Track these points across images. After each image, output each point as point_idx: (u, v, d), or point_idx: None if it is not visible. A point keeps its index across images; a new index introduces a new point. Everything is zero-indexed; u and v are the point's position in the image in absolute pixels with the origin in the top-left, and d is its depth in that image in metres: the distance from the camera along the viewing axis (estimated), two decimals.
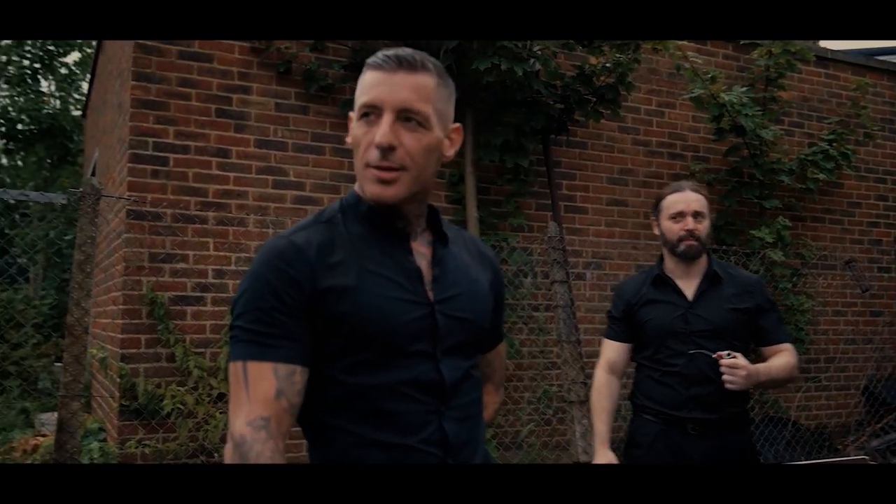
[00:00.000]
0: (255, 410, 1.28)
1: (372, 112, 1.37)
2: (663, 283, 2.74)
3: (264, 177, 4.66)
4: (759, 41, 5.96)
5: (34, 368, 7.05)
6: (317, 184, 4.78)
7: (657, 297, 2.72)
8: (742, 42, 6.07)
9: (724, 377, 2.45)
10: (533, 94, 5.00)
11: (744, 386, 2.46)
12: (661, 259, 2.80)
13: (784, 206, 6.08)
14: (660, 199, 2.78)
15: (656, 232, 2.80)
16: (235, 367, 1.31)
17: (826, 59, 6.70)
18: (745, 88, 5.54)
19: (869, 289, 6.54)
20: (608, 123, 5.64)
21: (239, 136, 4.62)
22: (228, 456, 1.26)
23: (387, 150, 1.34)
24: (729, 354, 2.48)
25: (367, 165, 1.37)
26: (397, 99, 1.35)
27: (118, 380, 4.24)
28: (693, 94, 5.49)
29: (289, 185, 4.71)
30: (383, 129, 1.34)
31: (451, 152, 1.47)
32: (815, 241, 6.43)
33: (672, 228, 2.70)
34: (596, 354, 5.47)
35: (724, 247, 5.72)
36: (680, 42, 5.28)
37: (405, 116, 1.36)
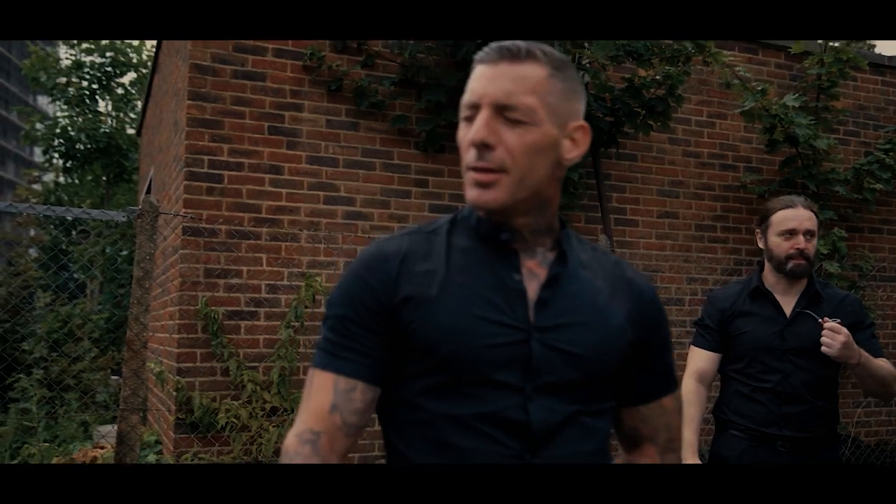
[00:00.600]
0: (307, 422, 1.19)
1: (472, 111, 1.21)
2: (762, 296, 2.69)
3: (316, 192, 4.73)
4: (810, 51, 5.86)
5: (92, 382, 7.22)
6: (367, 199, 4.83)
7: (754, 310, 2.67)
8: (792, 52, 5.97)
9: (823, 338, 2.41)
10: None
11: (838, 353, 2.41)
12: (760, 270, 2.74)
13: (839, 217, 5.95)
14: (769, 212, 2.71)
15: (760, 245, 2.74)
16: (308, 375, 1.25)
17: (882, 66, 6.55)
18: (795, 97, 5.45)
19: None
20: (658, 135, 5.59)
21: (291, 152, 4.70)
22: (293, 447, 1.19)
23: (482, 149, 1.19)
24: (834, 320, 2.44)
25: (467, 168, 1.22)
26: (495, 92, 1.18)
27: (174, 393, 4.32)
28: (744, 108, 5.41)
29: (340, 200, 4.77)
30: (477, 125, 1.19)
31: (573, 154, 1.28)
32: (873, 253, 6.28)
33: (781, 245, 2.64)
34: None
35: None
36: (729, 53, 5.22)
37: (505, 111, 1.19)
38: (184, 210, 4.44)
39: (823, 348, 2.41)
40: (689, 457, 2.63)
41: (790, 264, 2.62)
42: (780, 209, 2.67)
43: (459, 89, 5.22)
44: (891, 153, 6.06)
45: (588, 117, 5.01)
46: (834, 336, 2.39)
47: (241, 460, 4.29)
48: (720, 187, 5.85)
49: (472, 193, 1.22)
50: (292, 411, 4.43)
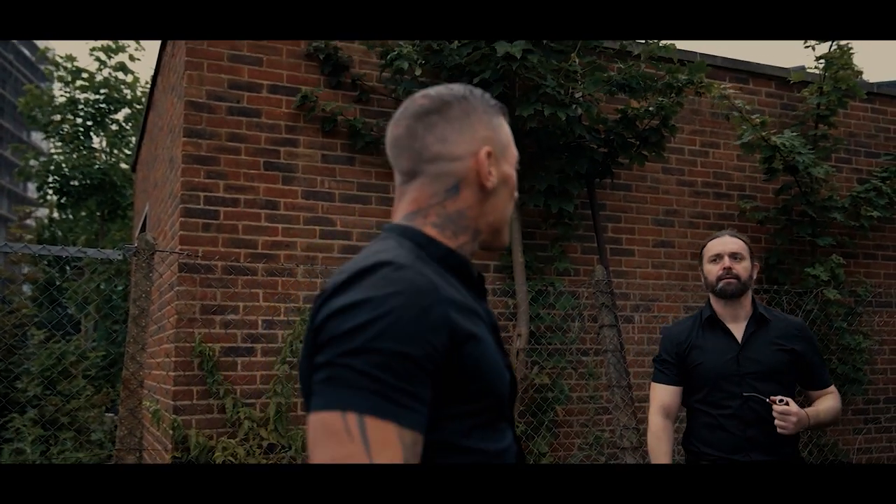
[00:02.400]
0: None
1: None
2: (713, 325, 2.80)
3: (312, 227, 4.72)
4: (808, 80, 5.92)
5: (87, 420, 7.14)
6: (363, 233, 4.83)
7: (708, 340, 2.78)
8: (791, 81, 6.03)
9: (777, 422, 2.51)
10: (576, 138, 5.01)
11: (793, 432, 2.52)
12: (709, 303, 2.86)
13: (837, 243, 5.97)
14: (702, 248, 2.91)
15: (702, 280, 2.90)
16: (345, 419, 1.00)
17: (871, 93, 6.62)
18: (796, 134, 5.49)
19: None
20: (652, 165, 5.62)
21: (286, 187, 4.70)
22: None
23: None
24: (782, 401, 2.52)
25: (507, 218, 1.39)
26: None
27: (171, 432, 4.27)
28: (743, 140, 5.44)
29: (336, 234, 4.77)
30: None
31: (484, 179, 1.29)
32: (869, 279, 6.28)
33: (711, 270, 2.81)
34: (647, 398, 5.40)
35: (776, 286, 5.62)
36: (721, 84, 5.26)
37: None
38: (180, 247, 4.43)
39: (780, 431, 2.51)
40: None
41: (720, 284, 2.77)
42: (709, 241, 2.87)
43: None
44: (887, 181, 6.09)
45: (582, 148, 5.06)
46: (786, 419, 2.49)
47: None
48: (714, 216, 5.86)
49: (505, 238, 1.38)
50: (290, 448, 4.38)
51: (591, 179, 5.28)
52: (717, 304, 2.81)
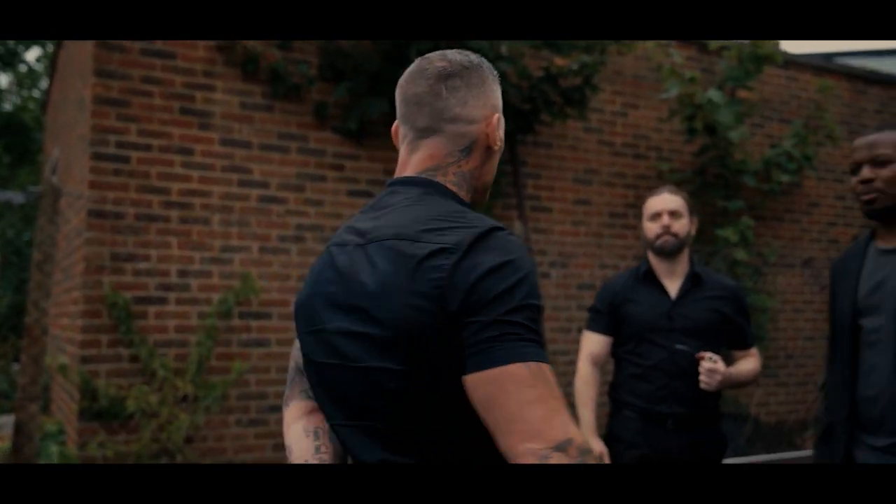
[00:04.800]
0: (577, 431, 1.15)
1: None
2: (649, 280, 2.86)
3: (229, 175, 4.62)
4: (728, 44, 6.05)
5: None
6: (282, 183, 4.75)
7: (642, 294, 2.85)
8: (711, 47, 6.14)
9: (702, 377, 2.59)
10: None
11: (716, 389, 2.60)
12: (647, 259, 2.92)
13: (748, 206, 6.18)
14: (643, 205, 2.93)
15: (641, 236, 2.95)
16: (528, 369, 1.11)
17: (787, 61, 6.81)
18: (719, 92, 5.62)
19: (827, 286, 6.67)
20: (573, 123, 5.68)
21: (203, 134, 4.57)
22: (570, 459, 1.07)
23: None
24: (711, 358, 2.59)
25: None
26: None
27: (78, 381, 4.17)
28: (669, 94, 5.54)
29: (254, 184, 4.68)
30: None
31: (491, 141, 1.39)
32: (776, 241, 6.54)
33: (650, 228, 2.85)
34: (561, 352, 5.54)
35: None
36: (645, 43, 5.33)
37: None
38: (89, 191, 4.28)
39: (702, 385, 2.59)
40: (591, 436, 2.81)
41: (658, 241, 2.82)
42: (650, 198, 2.90)
43: (381, 77, 5.17)
44: (797, 146, 6.31)
45: (506, 105, 5.06)
46: (712, 376, 2.57)
47: (150, 448, 4.18)
48: (632, 175, 5.98)
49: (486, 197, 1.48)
50: (205, 398, 4.34)
51: (514, 136, 5.31)
52: (654, 261, 2.87)
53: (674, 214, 2.81)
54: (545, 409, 1.09)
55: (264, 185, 4.71)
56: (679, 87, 5.46)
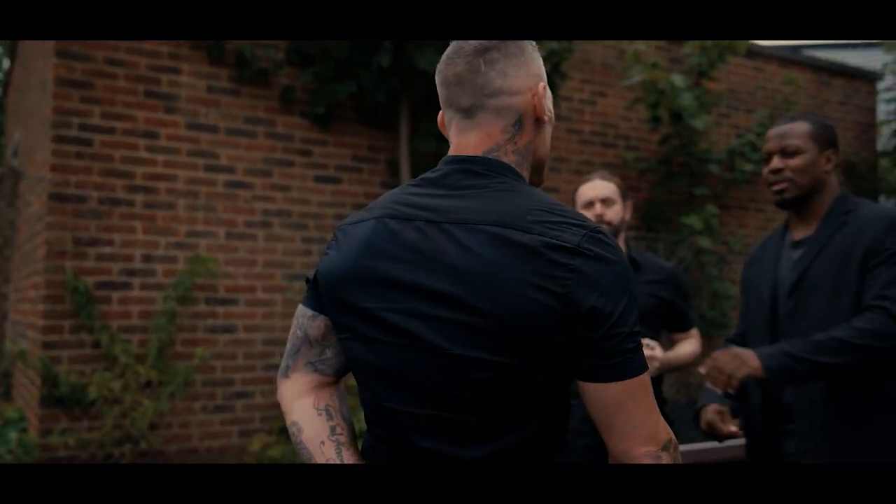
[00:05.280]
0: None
1: None
2: None
3: (195, 160, 4.57)
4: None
5: None
6: (249, 168, 4.71)
7: None
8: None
9: None
10: None
11: (655, 374, 2.61)
12: None
13: (712, 194, 6.24)
14: (575, 192, 2.89)
15: None
16: (647, 379, 1.20)
17: (753, 52, 6.88)
18: (682, 77, 5.67)
19: None
20: None
21: (168, 117, 4.52)
22: (671, 456, 1.18)
23: None
24: (648, 345, 2.58)
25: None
26: None
27: (39, 368, 4.11)
28: (633, 80, 5.57)
29: (220, 168, 4.63)
30: None
31: (540, 112, 1.33)
32: (741, 229, 6.62)
33: None
34: None
35: (652, 233, 5.85)
36: None
37: None
38: (51, 175, 4.21)
39: None
40: None
41: None
42: (581, 186, 2.86)
43: (349, 61, 5.13)
44: (762, 136, 6.39)
45: None
46: (650, 363, 2.56)
47: (113, 435, 4.14)
48: (600, 164, 6.01)
49: (545, 174, 1.42)
50: (169, 384, 4.30)
51: None
52: None
53: (606, 202, 2.76)
54: (656, 415, 1.18)
55: (231, 170, 4.66)
56: (642, 73, 5.50)
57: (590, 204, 2.78)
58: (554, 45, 5.08)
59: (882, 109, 8.00)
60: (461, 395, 1.16)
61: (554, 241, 1.14)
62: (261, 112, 4.77)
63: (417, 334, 1.18)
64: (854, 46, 11.07)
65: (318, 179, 4.91)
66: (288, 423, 1.33)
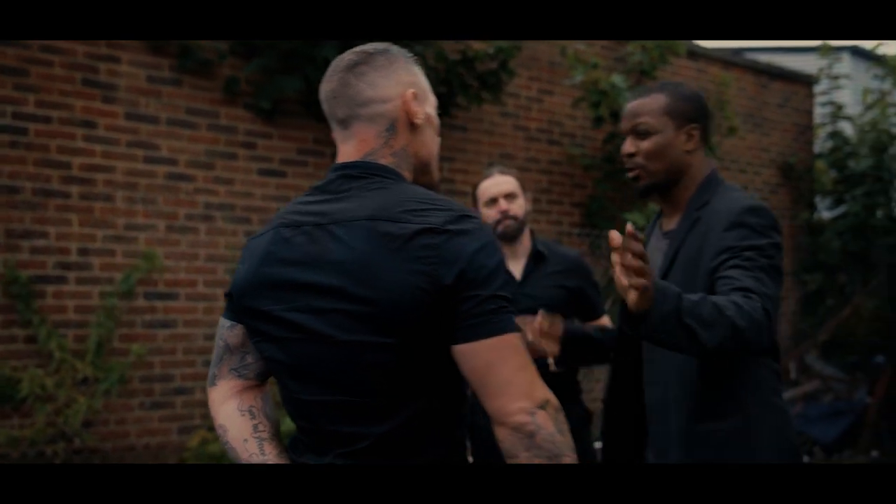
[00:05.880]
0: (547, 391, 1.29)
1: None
2: None
3: (134, 151, 4.47)
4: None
5: None
6: (191, 160, 4.62)
7: None
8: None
9: (549, 360, 2.47)
10: None
11: (562, 368, 2.53)
12: None
13: None
14: (475, 187, 2.85)
15: None
16: (516, 339, 1.27)
17: (696, 53, 7.01)
18: (623, 77, 5.74)
19: None
20: (489, 108, 5.71)
21: (107, 107, 4.40)
22: (546, 420, 1.22)
23: None
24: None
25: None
26: None
27: None
28: (574, 81, 5.63)
29: (161, 160, 4.54)
30: None
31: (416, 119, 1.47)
32: None
33: (488, 214, 2.77)
34: None
35: (596, 230, 5.92)
36: None
37: None
38: None
39: (551, 370, 2.42)
40: None
41: (499, 228, 2.75)
42: (482, 182, 2.84)
43: (295, 54, 5.07)
44: None
45: None
46: (550, 346, 2.40)
47: (45, 433, 4.04)
48: (546, 161, 6.07)
49: (434, 174, 1.57)
50: (104, 381, 4.20)
51: None
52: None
53: (509, 197, 2.74)
54: (530, 374, 1.25)
55: (172, 162, 4.57)
56: (583, 73, 5.56)
57: (493, 201, 2.75)
58: (502, 42, 5.10)
59: (819, 112, 8.22)
60: (358, 378, 1.28)
61: (421, 225, 1.26)
62: (204, 103, 4.69)
63: (312, 328, 1.29)
64: (792, 50, 11.36)
65: (262, 173, 4.85)
66: (216, 426, 1.45)
